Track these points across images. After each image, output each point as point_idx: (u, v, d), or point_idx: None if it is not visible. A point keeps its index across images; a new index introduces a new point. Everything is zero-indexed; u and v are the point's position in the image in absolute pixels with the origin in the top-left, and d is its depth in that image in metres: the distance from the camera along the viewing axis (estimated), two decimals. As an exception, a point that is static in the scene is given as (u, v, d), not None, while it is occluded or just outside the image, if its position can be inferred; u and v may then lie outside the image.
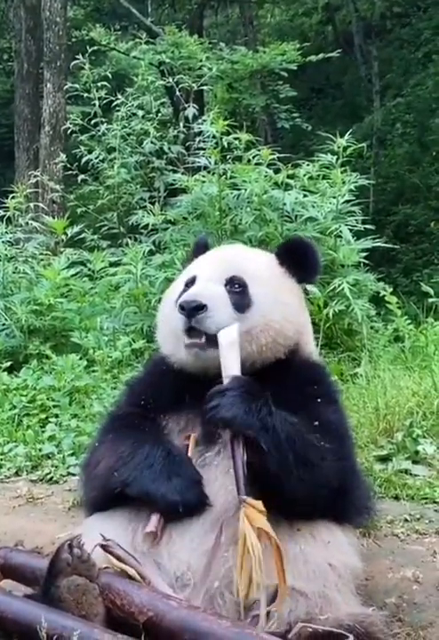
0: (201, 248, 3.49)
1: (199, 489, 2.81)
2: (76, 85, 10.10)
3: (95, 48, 11.56)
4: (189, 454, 2.89)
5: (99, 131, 8.99)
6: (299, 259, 3.22)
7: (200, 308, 2.94)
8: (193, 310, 2.94)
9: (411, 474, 4.09)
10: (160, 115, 9.40)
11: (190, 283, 3.16)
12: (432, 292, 6.99)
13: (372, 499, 3.24)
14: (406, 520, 3.61)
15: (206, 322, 2.95)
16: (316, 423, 2.86)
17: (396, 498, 3.86)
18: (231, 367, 2.86)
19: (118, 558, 2.73)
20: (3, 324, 6.88)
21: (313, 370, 3.17)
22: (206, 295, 2.99)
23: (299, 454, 2.72)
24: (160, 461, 2.85)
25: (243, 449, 2.71)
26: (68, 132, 9.81)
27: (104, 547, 2.74)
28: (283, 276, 3.21)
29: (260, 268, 3.20)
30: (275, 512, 2.74)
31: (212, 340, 2.94)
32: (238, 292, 3.07)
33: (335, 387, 3.31)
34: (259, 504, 2.62)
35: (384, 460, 4.21)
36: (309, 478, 2.73)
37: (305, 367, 3.14)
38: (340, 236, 6.62)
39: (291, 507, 2.76)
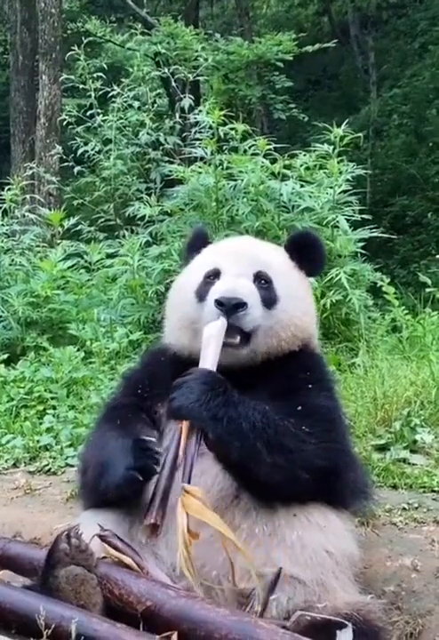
0: (201, 239, 3.46)
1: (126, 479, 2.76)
2: (72, 77, 10.07)
3: (90, 39, 11.54)
4: (182, 442, 2.88)
5: (94, 122, 8.97)
6: (307, 252, 3.24)
7: (240, 305, 2.92)
8: (233, 308, 2.92)
9: (409, 463, 4.09)
10: (156, 106, 9.36)
11: (213, 276, 3.11)
12: (429, 282, 6.98)
13: (369, 483, 3.23)
14: (404, 509, 3.61)
15: (245, 319, 2.94)
16: (300, 408, 2.86)
17: (394, 487, 3.85)
18: (206, 360, 2.87)
19: (116, 548, 2.73)
20: (0, 317, 6.88)
21: (310, 358, 3.17)
22: (245, 292, 2.97)
23: (271, 441, 2.71)
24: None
25: (198, 439, 2.74)
26: (64, 123, 9.77)
27: (102, 537, 2.74)
28: (296, 270, 3.23)
29: (280, 262, 3.21)
30: (270, 499, 2.77)
31: (246, 338, 2.96)
32: (266, 288, 3.07)
33: (329, 374, 3.30)
34: (198, 491, 2.64)
35: (382, 449, 4.21)
36: (285, 463, 2.72)
37: (303, 356, 3.14)
38: (337, 227, 6.60)
39: (273, 492, 2.76)
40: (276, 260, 3.20)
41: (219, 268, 3.12)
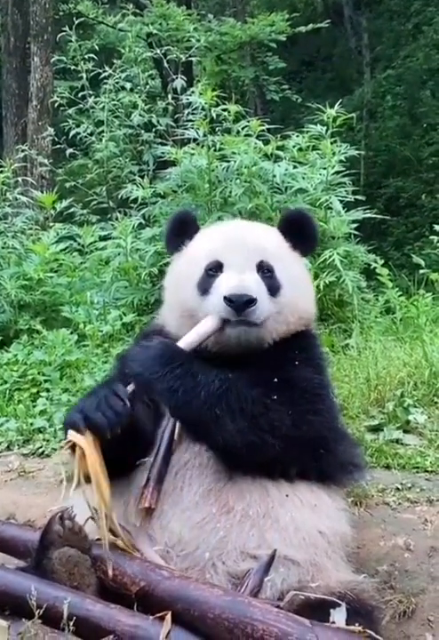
0: (189, 224, 3.42)
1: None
2: (64, 58, 10.01)
3: (82, 21, 11.45)
4: (177, 427, 2.90)
5: (87, 104, 8.92)
6: (301, 232, 3.23)
7: (251, 302, 2.92)
8: (244, 304, 2.92)
9: (402, 443, 4.10)
10: (148, 87, 9.32)
11: (215, 268, 3.09)
12: (423, 263, 6.98)
13: (359, 456, 3.23)
14: (397, 489, 3.62)
15: (255, 314, 2.94)
16: (275, 380, 2.88)
17: (388, 467, 3.87)
18: (185, 339, 2.92)
19: (110, 531, 2.73)
20: (-7, 300, 6.86)
21: (301, 337, 3.16)
22: (254, 289, 2.96)
23: (232, 407, 2.74)
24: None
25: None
26: (56, 105, 9.73)
27: (95, 519, 2.74)
28: (291, 252, 3.22)
29: (278, 247, 3.20)
30: (263, 478, 2.79)
31: (254, 325, 2.97)
32: (269, 277, 3.07)
33: (319, 352, 3.28)
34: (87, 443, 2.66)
35: (375, 429, 4.22)
36: (249, 428, 2.74)
37: (300, 335, 3.15)
38: (331, 208, 6.58)
39: (243, 457, 2.77)
40: (274, 245, 3.18)
41: (221, 261, 3.10)
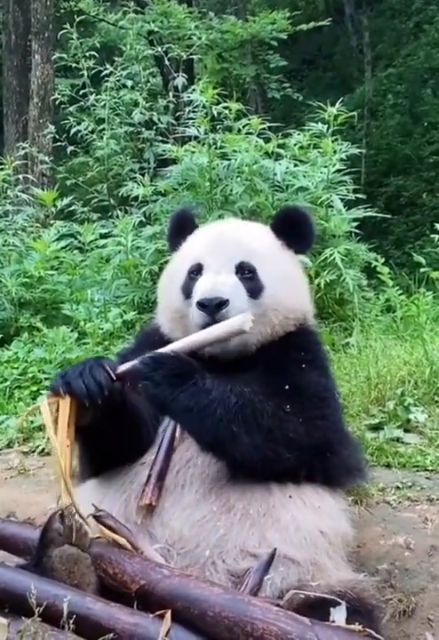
0: (187, 222, 3.42)
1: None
2: (65, 56, 10.01)
3: (83, 18, 11.46)
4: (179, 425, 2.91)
5: (88, 102, 8.92)
6: (295, 229, 3.19)
7: (222, 303, 2.90)
8: (216, 308, 2.89)
9: (402, 442, 4.10)
10: (149, 85, 9.33)
11: (196, 271, 3.09)
12: (424, 262, 6.98)
13: (363, 460, 3.24)
14: (398, 488, 3.62)
15: (229, 316, 2.90)
16: (287, 387, 2.84)
17: (388, 466, 3.87)
18: (185, 343, 2.85)
19: (110, 528, 2.73)
20: (-6, 297, 6.86)
21: (304, 337, 3.15)
22: (226, 290, 2.94)
23: (248, 422, 2.70)
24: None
25: None
26: (57, 103, 9.73)
27: (96, 517, 2.74)
28: (283, 250, 3.19)
29: (264, 246, 3.16)
30: (255, 476, 2.78)
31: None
32: (249, 277, 3.04)
33: (323, 352, 3.28)
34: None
35: (376, 428, 4.22)
36: (264, 442, 2.71)
37: (297, 334, 3.13)
38: (332, 206, 6.58)
39: (256, 470, 2.76)
40: (260, 245, 3.15)
41: (202, 263, 3.09)
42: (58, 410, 2.69)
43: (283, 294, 3.07)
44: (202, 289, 2.96)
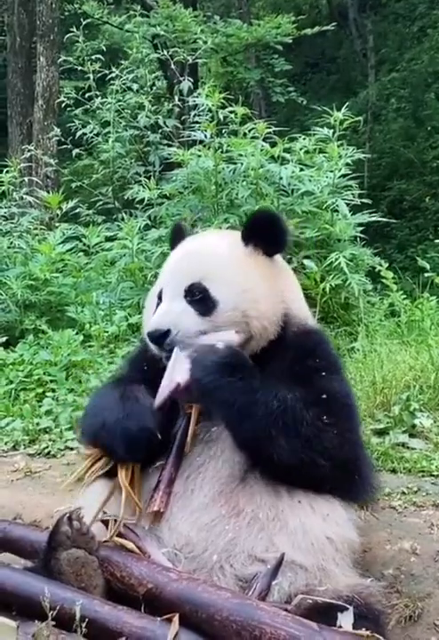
0: (177, 235, 3.46)
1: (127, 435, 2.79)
2: (70, 58, 10.02)
3: (89, 21, 11.47)
4: (191, 425, 2.90)
5: (93, 105, 8.93)
6: (264, 233, 3.15)
7: (163, 334, 2.94)
8: (159, 339, 2.95)
9: (407, 447, 4.11)
10: (154, 88, 9.34)
11: (159, 296, 3.14)
12: (428, 266, 6.98)
13: (375, 473, 3.24)
14: (403, 493, 3.62)
15: (176, 341, 2.95)
16: (324, 396, 2.87)
17: (393, 471, 3.87)
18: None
19: (118, 533, 2.74)
20: (-1, 300, 6.88)
21: (310, 339, 3.14)
22: (166, 320, 2.97)
23: (289, 428, 2.73)
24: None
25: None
26: (62, 106, 9.74)
27: (104, 521, 2.75)
28: (248, 257, 3.14)
29: (220, 263, 3.12)
30: (277, 484, 2.79)
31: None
32: (199, 299, 3.03)
33: (335, 355, 3.28)
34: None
35: (381, 433, 4.23)
36: (303, 449, 2.74)
37: (302, 336, 3.12)
38: (337, 211, 6.59)
39: (290, 473, 2.78)
40: (214, 263, 3.12)
41: (162, 288, 3.14)
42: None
43: (246, 305, 3.02)
44: (149, 322, 3.04)
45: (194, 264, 3.14)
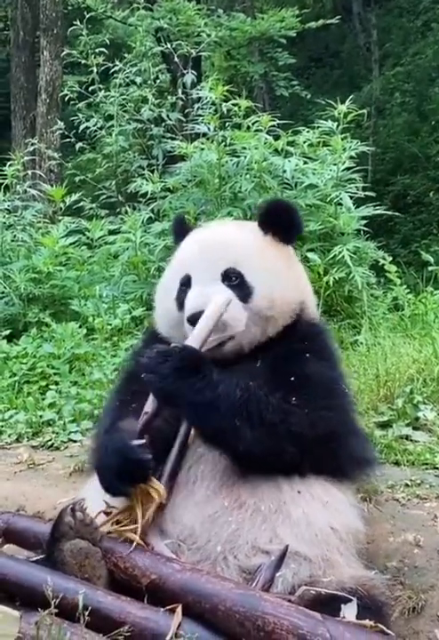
0: (180, 228, 3.46)
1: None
2: (74, 52, 10.02)
3: (92, 15, 11.47)
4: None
5: (96, 98, 8.93)
6: (280, 221, 3.18)
7: None
8: None
9: (411, 440, 4.10)
10: (158, 82, 9.33)
11: (185, 283, 3.11)
12: (432, 260, 6.98)
13: (371, 451, 3.23)
14: (407, 485, 3.62)
15: (226, 323, 2.93)
16: (292, 378, 2.85)
17: (397, 463, 3.87)
18: (194, 337, 2.85)
19: (117, 522, 2.74)
20: (2, 292, 6.89)
21: (309, 329, 3.15)
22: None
23: (252, 417, 2.70)
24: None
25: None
26: (66, 99, 9.74)
27: (107, 513, 2.75)
28: (270, 246, 3.17)
29: (249, 248, 3.14)
30: (275, 475, 2.78)
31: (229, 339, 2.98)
32: (237, 283, 3.03)
33: (330, 344, 3.27)
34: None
35: (384, 426, 4.22)
36: (268, 437, 2.71)
37: (304, 327, 3.13)
38: (341, 204, 6.58)
39: (259, 464, 2.76)
40: (246, 248, 3.14)
41: (190, 274, 3.11)
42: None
43: (275, 292, 3.05)
44: (189, 305, 2.99)
45: (228, 249, 3.13)
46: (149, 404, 2.79)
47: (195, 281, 3.07)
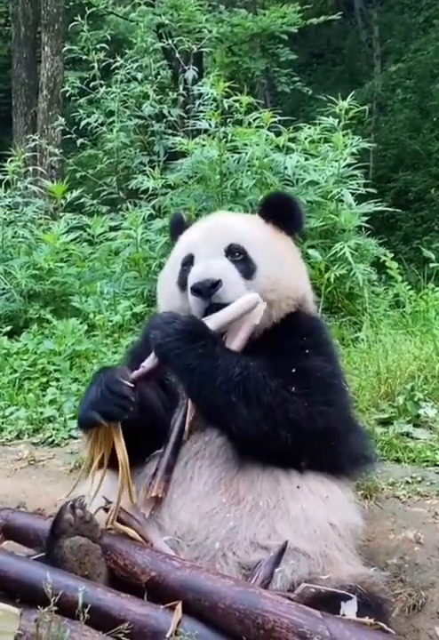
0: (178, 225, 3.46)
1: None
2: (75, 48, 10.01)
3: (93, 11, 11.45)
4: (188, 413, 2.90)
5: (97, 94, 8.92)
6: (282, 212, 3.20)
7: (215, 284, 2.90)
8: (209, 289, 2.90)
9: (412, 437, 4.10)
10: (159, 78, 9.31)
11: (188, 262, 3.11)
12: (433, 257, 6.97)
13: (370, 447, 3.22)
14: (407, 482, 3.62)
15: (226, 295, 2.91)
16: (293, 370, 2.84)
17: (398, 460, 3.87)
18: (215, 317, 2.86)
19: (120, 520, 2.73)
20: (3, 289, 6.89)
21: (308, 322, 3.15)
22: (217, 270, 2.94)
23: (249, 395, 2.70)
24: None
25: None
26: (67, 96, 9.73)
27: (107, 509, 2.75)
28: (273, 233, 3.19)
29: (252, 229, 3.17)
30: (273, 468, 2.78)
31: None
32: (240, 259, 3.03)
33: (329, 339, 3.26)
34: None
35: (385, 423, 4.22)
36: (264, 419, 2.70)
37: (304, 320, 3.13)
38: (342, 201, 6.58)
39: (252, 446, 2.76)
40: (248, 229, 3.16)
41: (192, 253, 3.10)
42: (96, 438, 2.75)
43: (278, 274, 3.06)
44: (194, 275, 2.97)
45: (230, 226, 3.17)
46: (149, 361, 2.79)
47: (198, 257, 3.07)
